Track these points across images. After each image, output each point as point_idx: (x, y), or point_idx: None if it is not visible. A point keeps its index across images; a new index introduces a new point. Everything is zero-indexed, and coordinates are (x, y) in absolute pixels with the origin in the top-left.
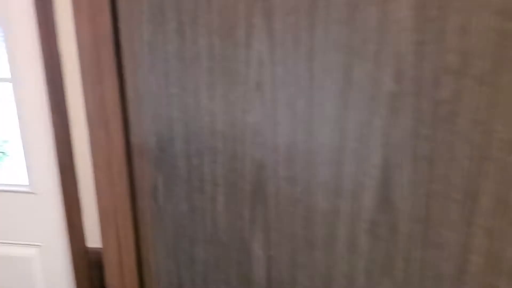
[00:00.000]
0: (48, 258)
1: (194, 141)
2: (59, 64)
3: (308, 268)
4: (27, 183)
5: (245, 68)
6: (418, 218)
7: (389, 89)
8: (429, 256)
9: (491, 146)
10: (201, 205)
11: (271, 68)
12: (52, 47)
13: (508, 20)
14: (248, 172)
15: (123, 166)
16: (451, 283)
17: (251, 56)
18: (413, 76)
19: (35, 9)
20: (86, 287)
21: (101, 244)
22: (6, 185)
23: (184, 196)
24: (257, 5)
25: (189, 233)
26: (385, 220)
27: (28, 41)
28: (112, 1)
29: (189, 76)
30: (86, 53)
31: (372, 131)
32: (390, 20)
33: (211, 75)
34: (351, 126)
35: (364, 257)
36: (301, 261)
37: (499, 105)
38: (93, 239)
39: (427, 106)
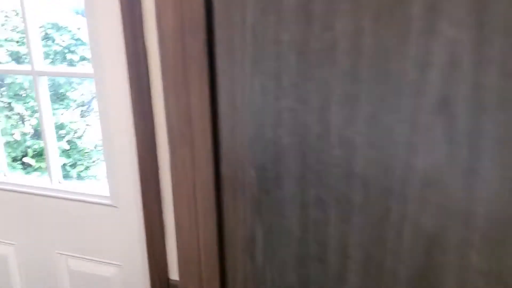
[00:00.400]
0: (128, 281)
1: (315, 184)
2: (144, 61)
3: None
4: (108, 194)
5: (418, 71)
6: None
7: None
8: None
9: None
10: (321, 282)
11: (476, 73)
12: (137, 41)
13: None
14: (409, 249)
15: (210, 201)
16: None
17: (433, 48)
18: None
19: None
20: None
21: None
22: (86, 195)
23: (294, 263)
24: None
25: None
26: None
27: (112, 33)
28: None
29: (314, 82)
30: (168, 45)
31: None
32: None
33: (352, 80)
34: None
35: None
36: None
37: None
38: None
39: None
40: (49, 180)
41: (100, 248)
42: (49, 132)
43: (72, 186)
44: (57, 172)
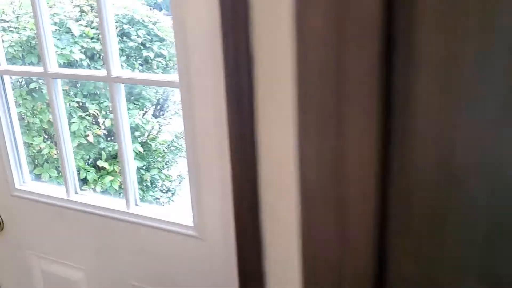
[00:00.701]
0: None
1: None
2: (248, 73)
3: None
4: (192, 224)
5: None
6: None
7: None
8: None
9: None
10: None
11: None
12: (239, 46)
13: None
14: None
15: None
16: None
17: None
18: None
19: None
20: None
21: None
22: (167, 222)
23: None
24: None
25: None
26: None
27: (205, 34)
28: None
29: None
30: (313, 56)
31: None
32: None
33: None
34: None
35: None
36: None
37: None
38: None
39: None
40: (125, 202)
41: (180, 284)
42: (127, 149)
43: (151, 211)
44: (133, 194)
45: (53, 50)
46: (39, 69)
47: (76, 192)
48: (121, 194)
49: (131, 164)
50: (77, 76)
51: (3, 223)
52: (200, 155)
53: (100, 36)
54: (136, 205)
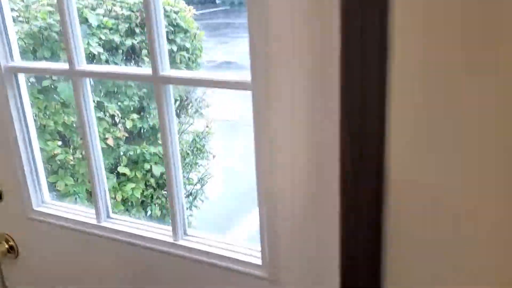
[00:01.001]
0: None
1: None
2: (380, 68)
3: None
4: (259, 262)
5: None
6: None
7: None
8: None
9: None
10: None
11: None
12: (371, 29)
13: None
14: None
15: None
16: None
17: None
18: None
19: None
20: None
21: None
22: (226, 258)
23: None
24: None
25: None
26: None
27: (298, 18)
28: None
29: None
30: None
31: None
32: None
33: None
34: None
35: None
36: None
37: None
38: None
39: None
40: (170, 230)
41: None
42: (176, 165)
43: (203, 242)
44: (182, 220)
45: (81, 43)
46: (63, 65)
47: (108, 217)
48: (143, 203)
49: (179, 185)
50: (114, 75)
51: (17, 250)
52: (278, 174)
53: (122, 29)
54: (185, 234)
